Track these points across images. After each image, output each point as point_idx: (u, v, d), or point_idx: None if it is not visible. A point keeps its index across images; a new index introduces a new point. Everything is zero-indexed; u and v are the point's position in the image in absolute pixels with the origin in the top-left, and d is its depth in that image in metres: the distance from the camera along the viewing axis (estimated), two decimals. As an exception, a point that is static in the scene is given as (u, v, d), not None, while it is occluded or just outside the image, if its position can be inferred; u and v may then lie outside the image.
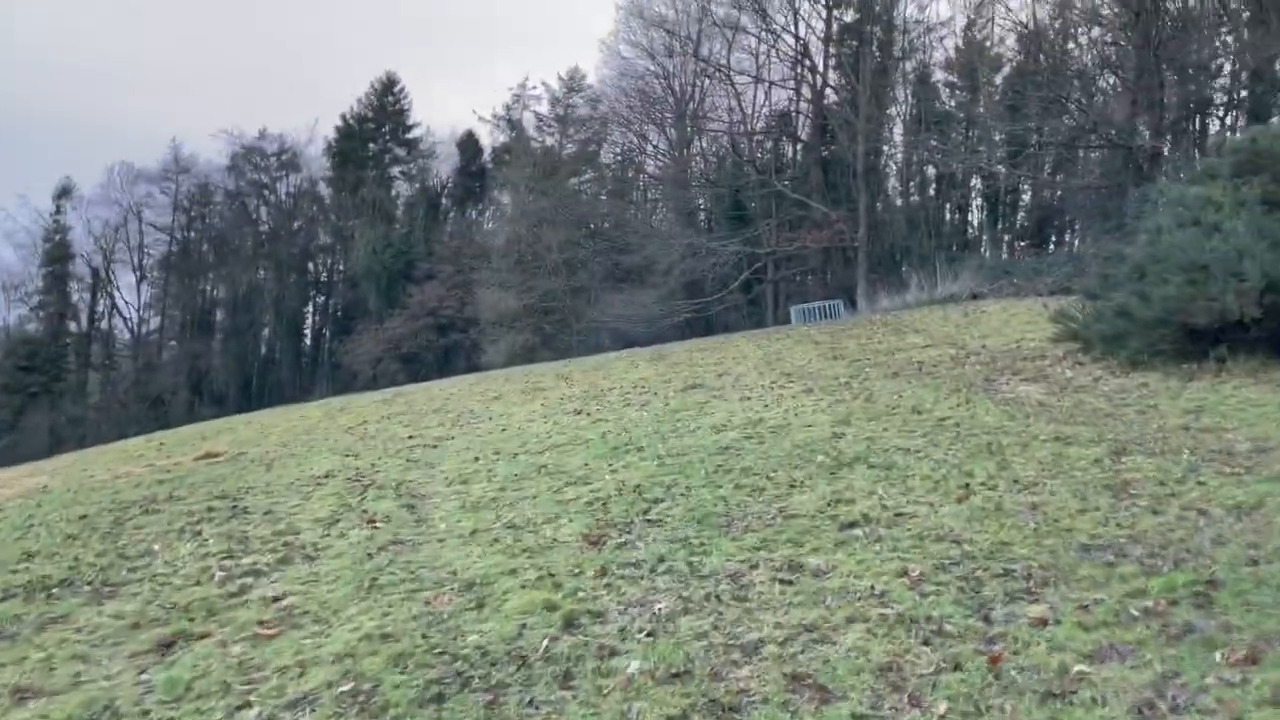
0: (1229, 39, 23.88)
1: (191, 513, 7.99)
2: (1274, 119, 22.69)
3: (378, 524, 6.94)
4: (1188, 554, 4.70)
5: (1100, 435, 7.41)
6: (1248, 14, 23.34)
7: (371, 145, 55.10)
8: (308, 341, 56.48)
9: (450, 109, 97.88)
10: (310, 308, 57.16)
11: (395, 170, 55.87)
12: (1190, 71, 24.89)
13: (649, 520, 6.22)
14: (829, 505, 6.15)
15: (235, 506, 8.10)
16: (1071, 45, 31.88)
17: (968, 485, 6.30)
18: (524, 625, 4.51)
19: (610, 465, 8.15)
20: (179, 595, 5.53)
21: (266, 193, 56.92)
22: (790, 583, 4.83)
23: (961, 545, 5.14)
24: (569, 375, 17.16)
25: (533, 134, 52.04)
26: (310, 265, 57.07)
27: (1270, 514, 5.16)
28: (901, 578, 4.75)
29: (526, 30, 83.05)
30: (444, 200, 55.94)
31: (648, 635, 4.28)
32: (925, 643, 3.97)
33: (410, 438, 11.79)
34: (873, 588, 4.63)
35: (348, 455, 10.83)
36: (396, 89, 55.54)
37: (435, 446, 10.71)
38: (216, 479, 9.86)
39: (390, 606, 4.95)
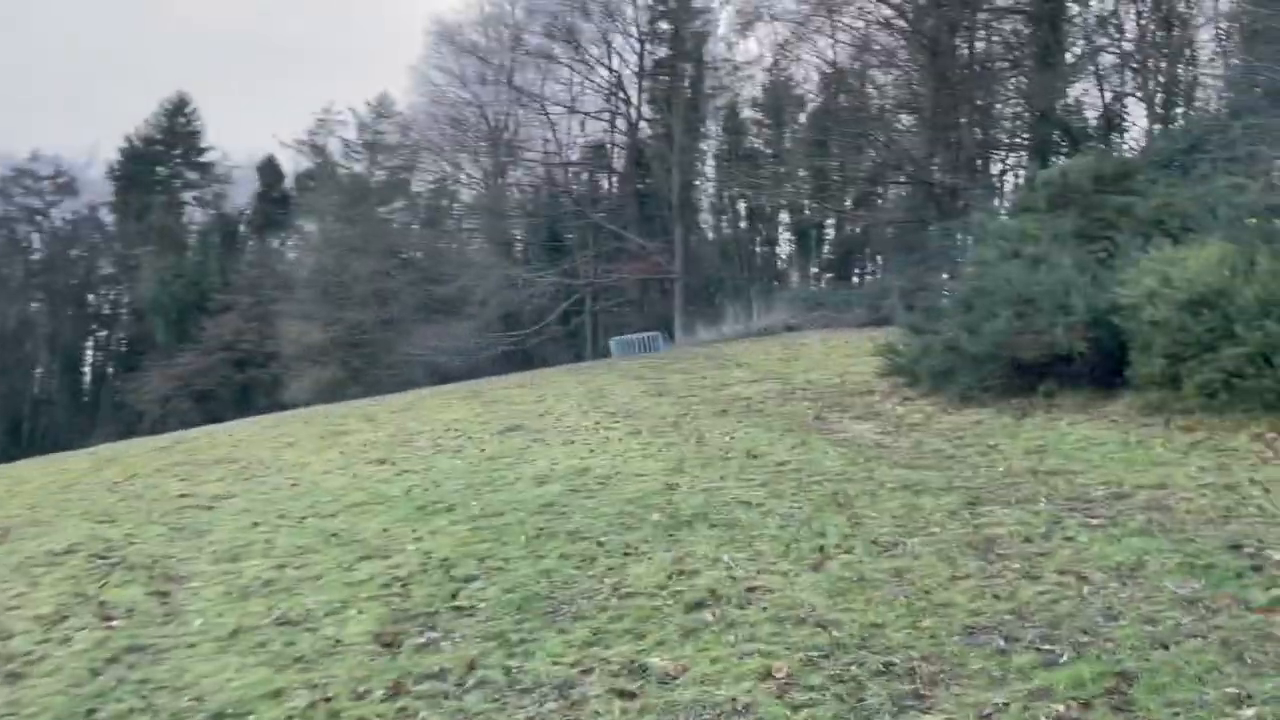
0: (1022, 80, 25.10)
1: None
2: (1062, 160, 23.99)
3: (115, 622, 5.52)
4: (1084, 635, 4.06)
5: (949, 482, 6.88)
6: (1031, 61, 24.60)
7: (160, 168, 50.96)
8: (88, 380, 51.33)
9: (250, 133, 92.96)
10: (90, 343, 52.05)
11: (188, 195, 51.94)
12: (979, 114, 26.04)
13: (458, 607, 5.12)
14: (670, 579, 5.25)
15: (-66, 601, 6.41)
16: (870, 88, 32.98)
17: (822, 548, 5.56)
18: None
19: (415, 531, 6.98)
20: None
21: (39, 218, 51.63)
22: (632, 695, 3.87)
23: (829, 630, 4.33)
24: (375, 416, 15.69)
25: (339, 160, 49.69)
26: (91, 297, 52.06)
27: (1155, 577, 4.64)
28: (766, 681, 3.88)
29: (333, 54, 79.79)
30: (242, 227, 52.34)
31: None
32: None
33: (182, 496, 10.12)
34: (734, 700, 3.73)
35: (102, 521, 9.11)
36: (188, 110, 51.69)
37: (210, 508, 9.16)
38: (-76, 559, 7.99)
39: (104, 760, 3.67)
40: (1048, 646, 3.98)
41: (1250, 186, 11.38)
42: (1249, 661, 3.69)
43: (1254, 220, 7.99)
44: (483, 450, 10.49)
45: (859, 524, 6.01)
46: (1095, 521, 5.60)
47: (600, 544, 6.08)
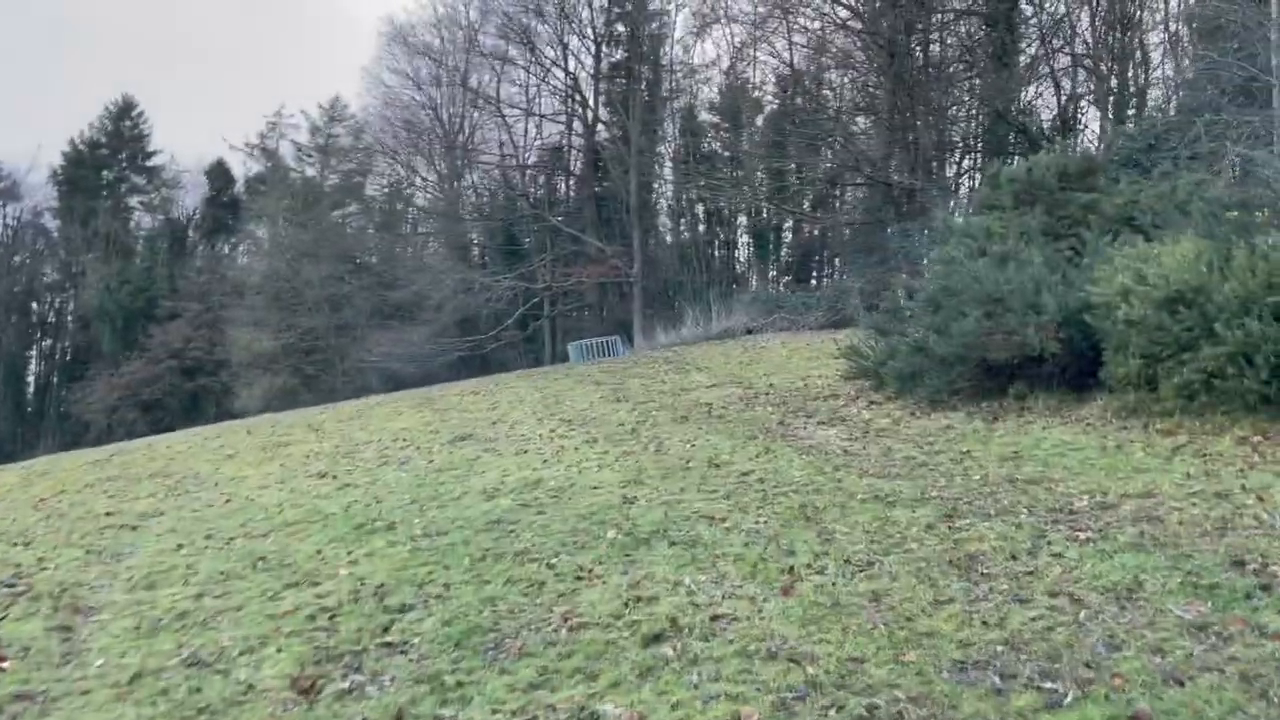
0: (977, 82, 24.96)
1: None
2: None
3: (5, 664, 4.90)
4: (1087, 668, 3.61)
5: (923, 492, 6.44)
6: (987, 62, 24.46)
7: (106, 173, 49.45)
8: (31, 390, 49.65)
9: (199, 137, 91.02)
10: (34, 352, 50.38)
11: (134, 200, 50.49)
12: (935, 115, 25.85)
13: (389, 644, 4.58)
14: (627, 606, 4.75)
15: None
16: (826, 90, 32.74)
17: (791, 568, 5.09)
18: None
19: (350, 553, 6.41)
20: None
21: (-21, 224, 49.94)
22: (583, 751, 3.36)
23: (803, 666, 3.85)
24: (321, 426, 15.02)
25: (291, 164, 48.55)
26: (34, 305, 50.40)
27: (1156, 599, 4.21)
28: (736, 732, 3.39)
29: (284, 56, 78.39)
30: (191, 233, 51.00)
31: None
32: None
33: (109, 515, 9.44)
34: (699, 756, 3.24)
35: (18, 543, 8.43)
36: (134, 113, 50.24)
37: (135, 528, 8.51)
38: None
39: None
40: (1049, 684, 3.53)
41: (1214, 182, 11.15)
42: (1275, 700, 3.27)
43: (1234, 214, 7.66)
44: (431, 461, 9.92)
45: (830, 540, 5.55)
46: (1083, 535, 5.18)
47: (551, 566, 5.56)
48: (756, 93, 36.74)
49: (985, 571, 4.81)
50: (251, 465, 11.70)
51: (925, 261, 20.77)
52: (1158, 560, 4.69)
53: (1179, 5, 22.95)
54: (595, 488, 7.52)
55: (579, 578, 5.30)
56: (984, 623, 4.15)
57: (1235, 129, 12.01)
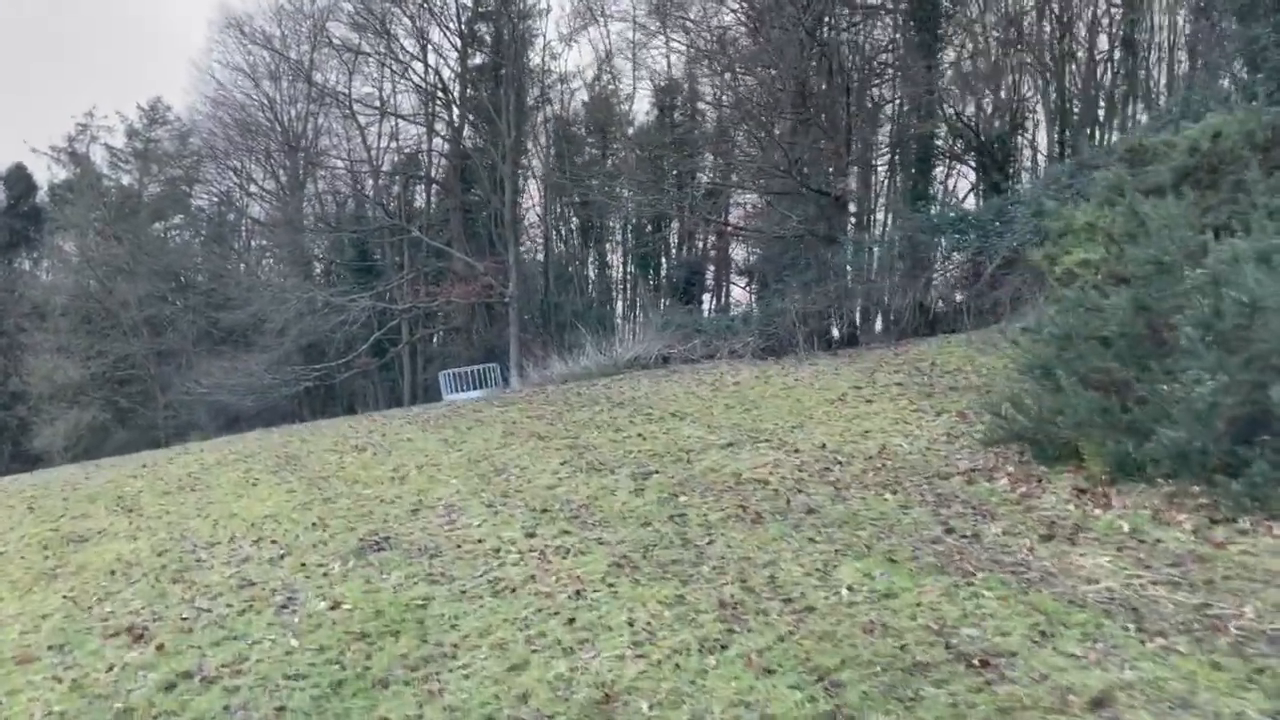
0: (894, 82, 22.18)
1: None
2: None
3: None
4: None
5: None
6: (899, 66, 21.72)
7: (-128, 176, 40.71)
8: None
9: (-3, 142, 79.28)
10: None
11: (-91, 208, 41.87)
12: (856, 118, 22.92)
13: None
14: None
15: None
16: (711, 96, 29.50)
17: None
18: None
19: None
20: None
21: None
22: None
23: None
24: (137, 500, 10.07)
25: (105, 170, 41.47)
26: None
27: None
28: None
29: (99, 53, 68.88)
30: (-17, 246, 42.77)
31: None
32: None
33: None
34: None
35: None
36: (-89, 107, 41.69)
37: None
38: None
39: None
40: None
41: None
42: None
43: None
44: (334, 606, 5.49)
45: None
46: None
47: None
48: (631, 102, 33.17)
49: None
50: (15, 596, 6.85)
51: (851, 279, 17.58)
52: None
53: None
54: None
55: None
56: None
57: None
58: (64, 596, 6.69)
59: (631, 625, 4.46)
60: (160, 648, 5.20)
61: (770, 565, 5.14)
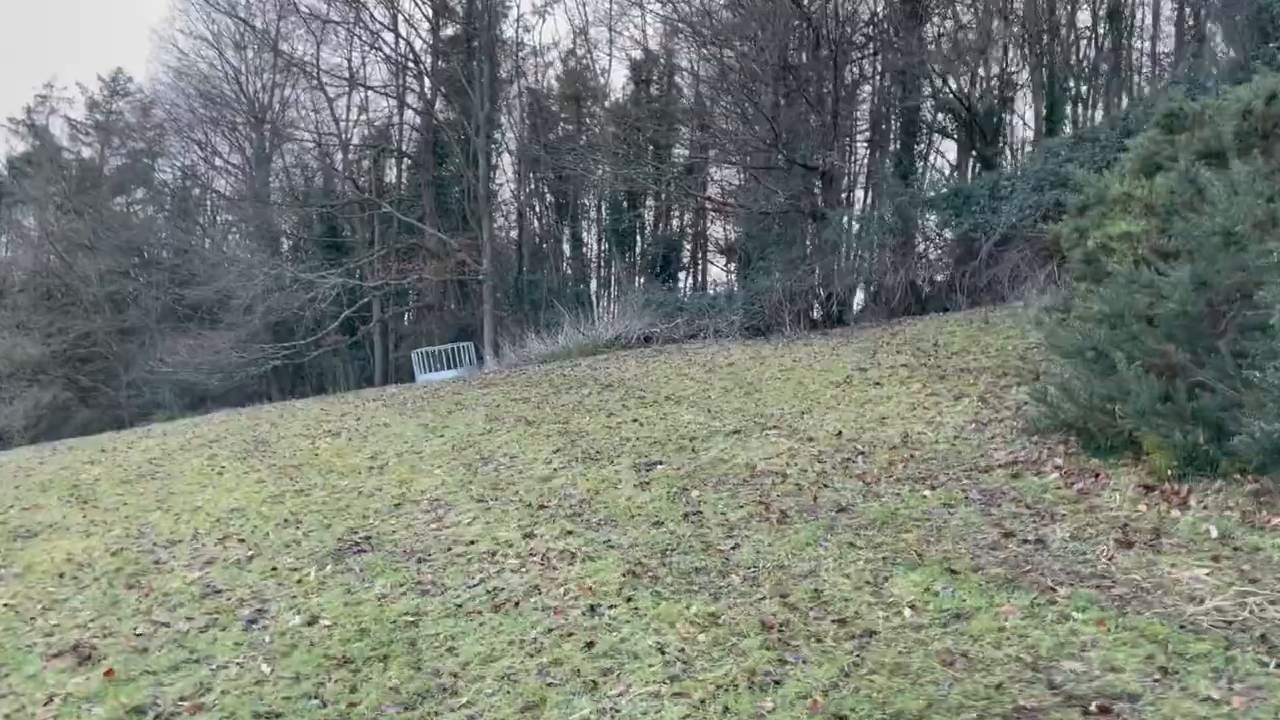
0: (876, 60, 21.51)
1: None
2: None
3: None
4: None
5: None
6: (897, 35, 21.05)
7: None
8: None
9: (-47, 114, 76.33)
10: None
11: None
12: (839, 93, 22.22)
13: None
14: None
15: None
16: (689, 72, 28.66)
17: None
18: None
19: None
20: None
21: None
22: None
23: None
24: (94, 489, 9.25)
25: (65, 143, 40.03)
26: None
27: None
28: None
29: (53, 20, 66.41)
30: (-65, 220, 41.08)
31: None
32: None
33: None
34: None
35: None
36: None
37: None
38: None
39: None
40: None
41: None
42: None
43: None
44: (311, 621, 4.78)
45: None
46: None
47: None
48: (608, 75, 32.22)
49: None
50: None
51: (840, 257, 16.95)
52: None
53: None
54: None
55: None
56: None
57: None
58: (5, 604, 5.92)
59: (663, 652, 3.79)
60: (109, 674, 4.48)
61: (811, 576, 4.49)
